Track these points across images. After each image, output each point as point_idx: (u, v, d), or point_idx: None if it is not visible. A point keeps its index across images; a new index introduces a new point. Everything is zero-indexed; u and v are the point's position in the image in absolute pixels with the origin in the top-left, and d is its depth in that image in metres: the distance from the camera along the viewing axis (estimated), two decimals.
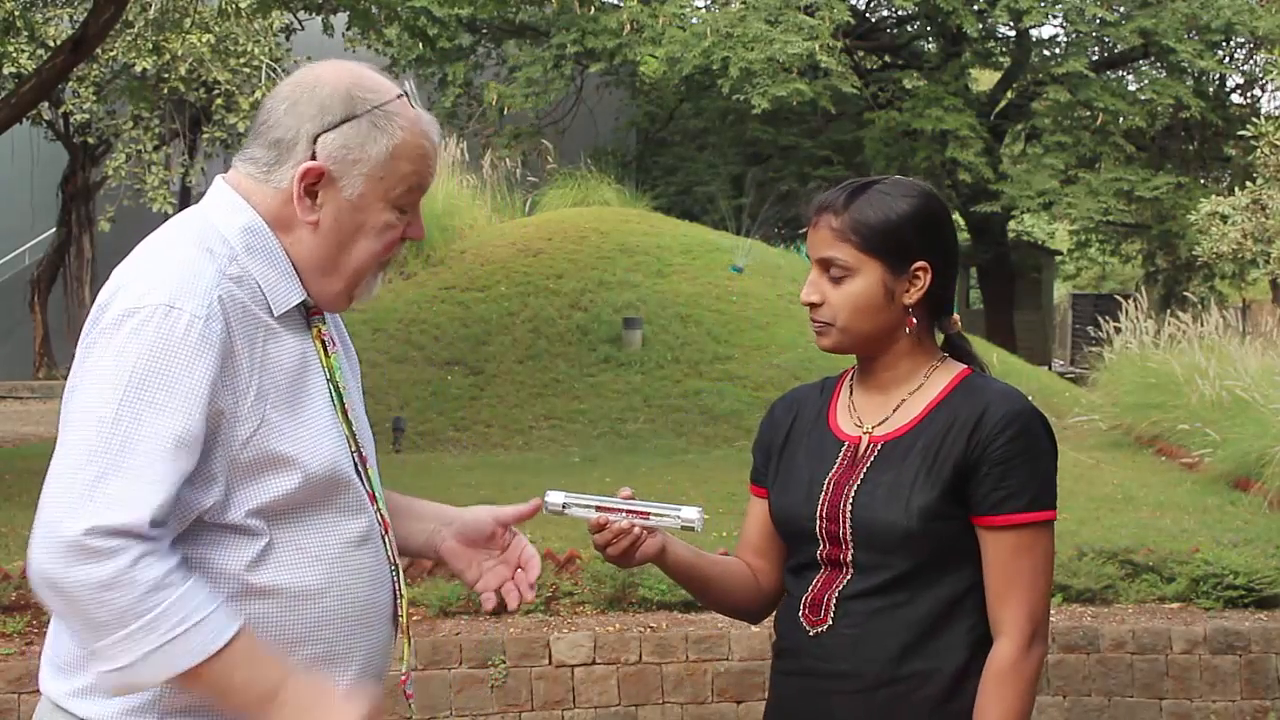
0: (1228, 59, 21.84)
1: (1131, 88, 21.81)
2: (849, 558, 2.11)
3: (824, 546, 2.14)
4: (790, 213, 20.76)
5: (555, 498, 2.11)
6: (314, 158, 1.85)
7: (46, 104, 15.67)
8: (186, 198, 17.74)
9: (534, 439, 10.54)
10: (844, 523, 2.11)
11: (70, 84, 15.66)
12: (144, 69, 15.51)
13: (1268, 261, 12.45)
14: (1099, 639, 5.76)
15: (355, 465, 1.92)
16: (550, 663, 5.52)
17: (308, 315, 1.92)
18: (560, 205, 15.48)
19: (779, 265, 13.96)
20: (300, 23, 14.90)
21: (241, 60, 16.51)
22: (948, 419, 2.11)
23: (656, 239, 13.60)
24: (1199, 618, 5.98)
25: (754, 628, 5.38)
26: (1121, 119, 20.48)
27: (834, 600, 2.12)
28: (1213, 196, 13.76)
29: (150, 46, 14.82)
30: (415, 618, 5.54)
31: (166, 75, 16.21)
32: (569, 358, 11.56)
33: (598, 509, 2.10)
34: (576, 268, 12.76)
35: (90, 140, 17.61)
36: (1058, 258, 30.74)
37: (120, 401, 1.71)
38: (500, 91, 20.75)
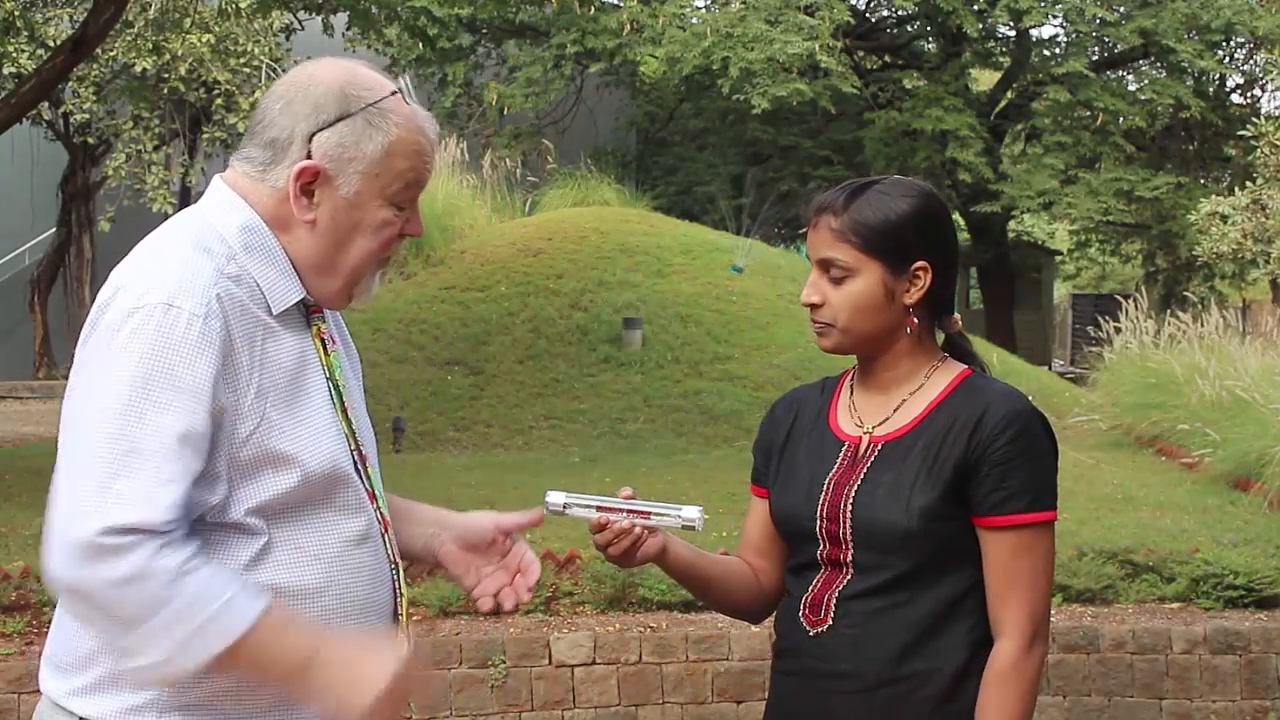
0: (1228, 59, 21.85)
1: (1131, 88, 21.81)
2: (849, 558, 2.11)
3: (824, 546, 2.14)
4: (790, 213, 20.78)
5: (556, 498, 2.11)
6: (309, 157, 1.85)
7: (46, 104, 15.67)
8: (186, 198, 17.73)
9: (534, 439, 10.54)
10: (844, 523, 2.11)
11: (70, 84, 15.65)
12: (144, 69, 15.51)
13: (1268, 261, 12.46)
14: (1099, 639, 5.76)
15: (355, 464, 1.91)
16: (550, 663, 5.52)
17: (307, 313, 1.92)
18: (560, 205, 15.48)
19: (779, 265, 13.96)
20: (300, 23, 14.89)
21: (241, 60, 16.51)
22: (948, 419, 2.11)
23: (656, 239, 13.60)
24: (1199, 618, 5.98)
25: (754, 628, 5.38)
26: (1121, 119, 20.48)
27: (834, 600, 2.12)
28: (1213, 196, 13.77)
29: (150, 46, 14.81)
30: (415, 617, 5.54)
31: (166, 75, 16.21)
32: (569, 358, 11.56)
33: (598, 509, 2.10)
34: (576, 268, 12.76)
35: (90, 140, 17.60)
36: (1058, 258, 30.75)
37: (124, 401, 1.70)
38: (500, 91, 20.75)
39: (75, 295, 17.93)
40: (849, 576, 2.12)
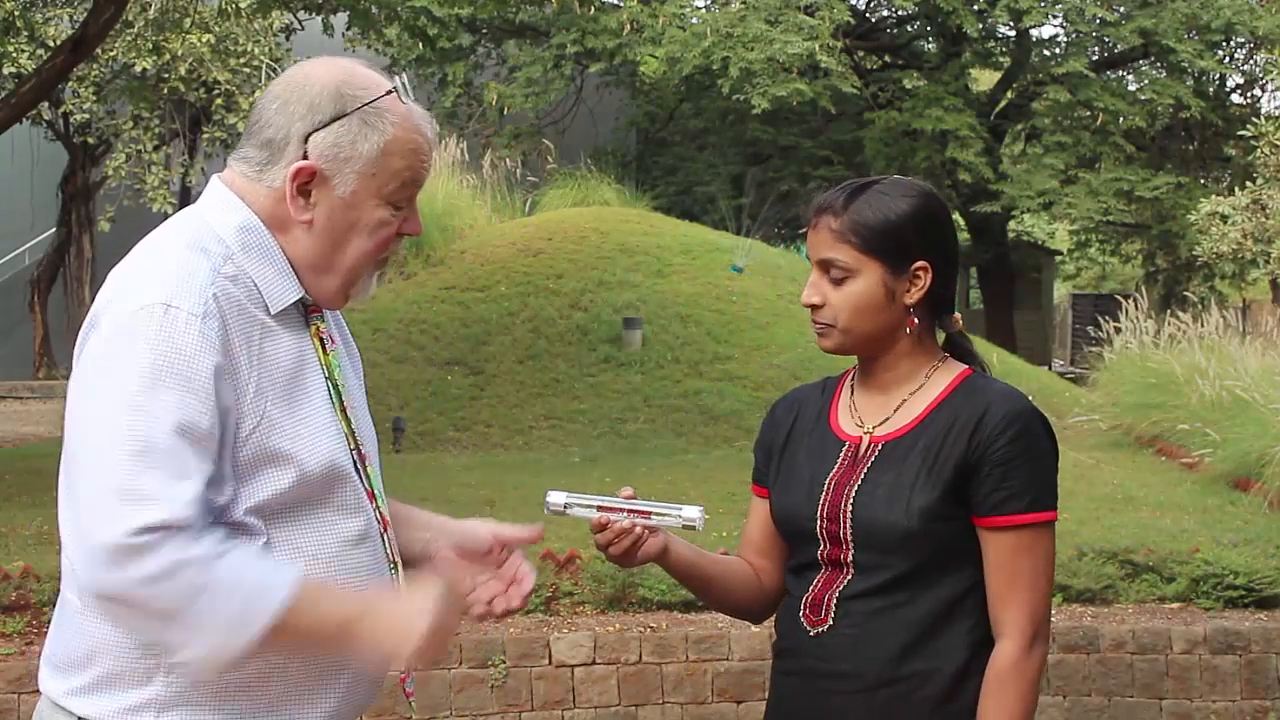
0: (1228, 59, 21.85)
1: (1131, 88, 21.81)
2: (849, 558, 2.11)
3: (824, 546, 2.14)
4: (790, 213, 20.78)
5: (557, 498, 2.10)
6: (306, 157, 1.85)
7: (46, 104, 15.67)
8: (186, 198, 17.72)
9: (534, 439, 10.54)
10: (844, 523, 2.11)
11: (70, 84, 15.65)
12: (144, 69, 15.51)
13: (1268, 261, 12.47)
14: (1099, 639, 5.76)
15: (354, 463, 1.91)
16: (550, 663, 5.52)
17: (306, 313, 1.92)
18: (560, 205, 15.48)
19: (779, 265, 13.96)
20: (300, 23, 14.89)
21: (241, 60, 16.51)
22: (948, 419, 2.11)
23: (656, 239, 13.60)
24: (1199, 618, 5.98)
25: (754, 628, 5.38)
26: (1121, 119, 20.48)
27: (834, 600, 2.12)
28: (1213, 196, 13.77)
29: (150, 46, 14.81)
30: None
31: (166, 75, 16.21)
32: (569, 358, 11.56)
33: (599, 509, 2.10)
34: (576, 268, 12.76)
35: (90, 140, 17.61)
36: (1058, 258, 30.76)
37: (133, 402, 1.70)
38: (500, 91, 20.75)
39: (75, 295, 17.93)
40: (849, 576, 2.12)
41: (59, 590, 1.90)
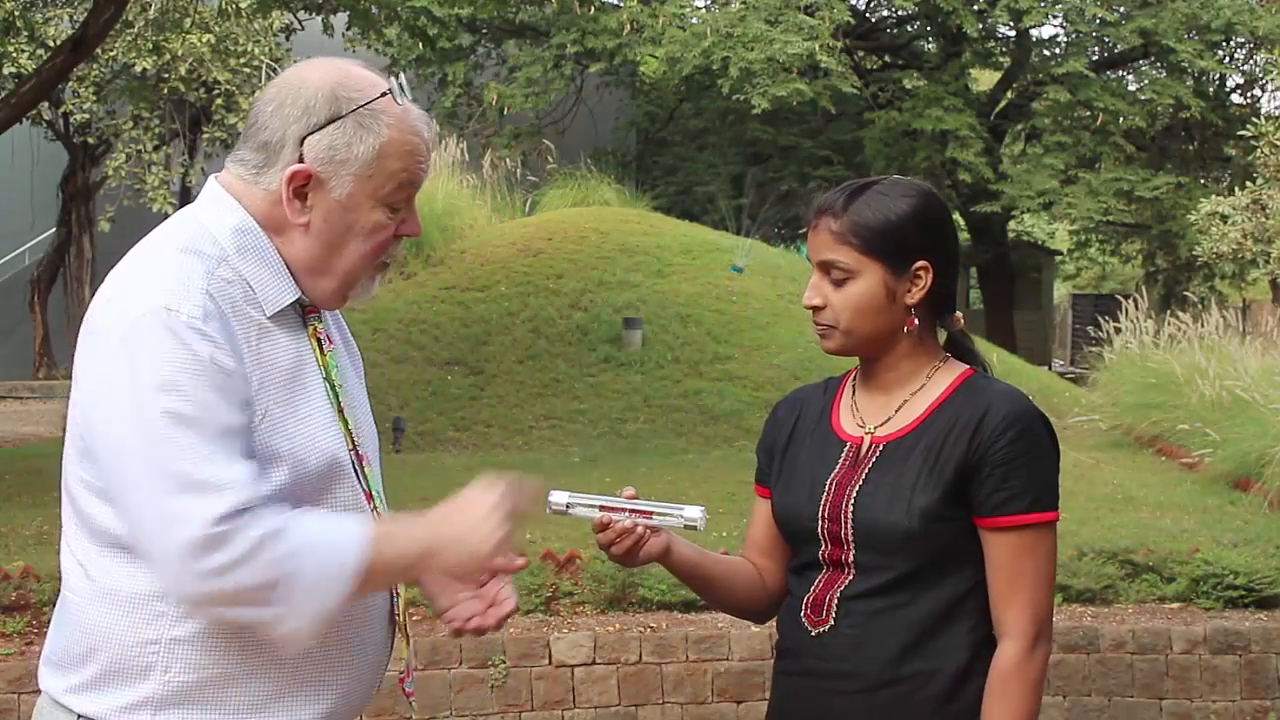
0: (1228, 59, 21.85)
1: (1131, 88, 21.81)
2: (851, 558, 2.11)
3: (826, 547, 2.14)
4: (790, 213, 20.79)
5: (559, 497, 2.10)
6: (301, 160, 1.84)
7: (46, 104, 15.67)
8: (186, 198, 17.71)
9: (534, 439, 10.54)
10: (846, 523, 2.11)
11: (70, 84, 15.65)
12: (144, 69, 15.50)
13: (1268, 261, 12.47)
14: (1099, 639, 5.76)
15: (353, 463, 1.91)
16: (550, 663, 5.52)
17: (303, 313, 1.92)
18: (560, 205, 15.47)
19: (779, 265, 13.96)
20: (300, 23, 14.90)
21: (241, 60, 16.51)
22: (950, 420, 2.11)
23: (656, 239, 13.60)
24: (1199, 618, 5.98)
25: (754, 628, 5.38)
26: (1121, 119, 20.48)
27: (836, 600, 2.12)
28: (1213, 196, 13.78)
29: (150, 46, 14.81)
30: (415, 618, 5.53)
31: (166, 75, 16.21)
32: (569, 358, 11.56)
33: (601, 508, 2.09)
34: (576, 268, 12.76)
35: (90, 140, 17.60)
36: (1058, 258, 30.76)
37: (157, 410, 1.70)
38: (500, 91, 20.75)
39: (75, 295, 17.92)
40: (850, 577, 2.12)
41: (59, 590, 1.90)
